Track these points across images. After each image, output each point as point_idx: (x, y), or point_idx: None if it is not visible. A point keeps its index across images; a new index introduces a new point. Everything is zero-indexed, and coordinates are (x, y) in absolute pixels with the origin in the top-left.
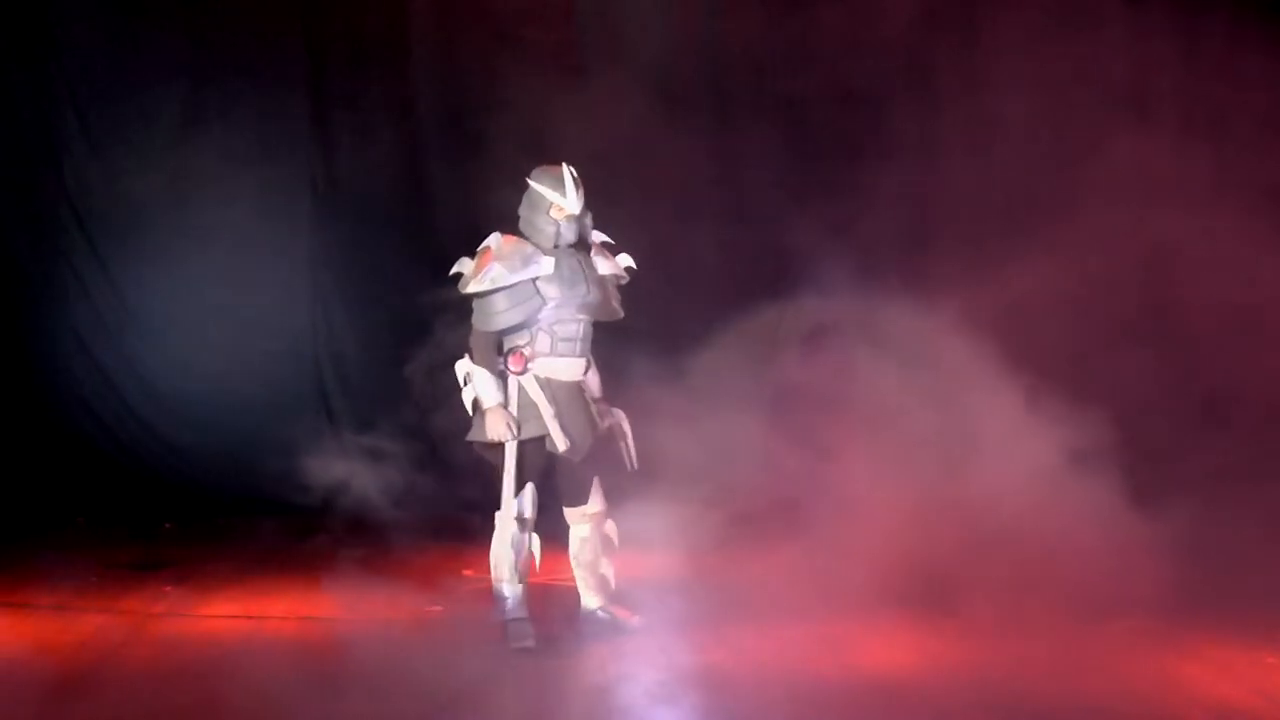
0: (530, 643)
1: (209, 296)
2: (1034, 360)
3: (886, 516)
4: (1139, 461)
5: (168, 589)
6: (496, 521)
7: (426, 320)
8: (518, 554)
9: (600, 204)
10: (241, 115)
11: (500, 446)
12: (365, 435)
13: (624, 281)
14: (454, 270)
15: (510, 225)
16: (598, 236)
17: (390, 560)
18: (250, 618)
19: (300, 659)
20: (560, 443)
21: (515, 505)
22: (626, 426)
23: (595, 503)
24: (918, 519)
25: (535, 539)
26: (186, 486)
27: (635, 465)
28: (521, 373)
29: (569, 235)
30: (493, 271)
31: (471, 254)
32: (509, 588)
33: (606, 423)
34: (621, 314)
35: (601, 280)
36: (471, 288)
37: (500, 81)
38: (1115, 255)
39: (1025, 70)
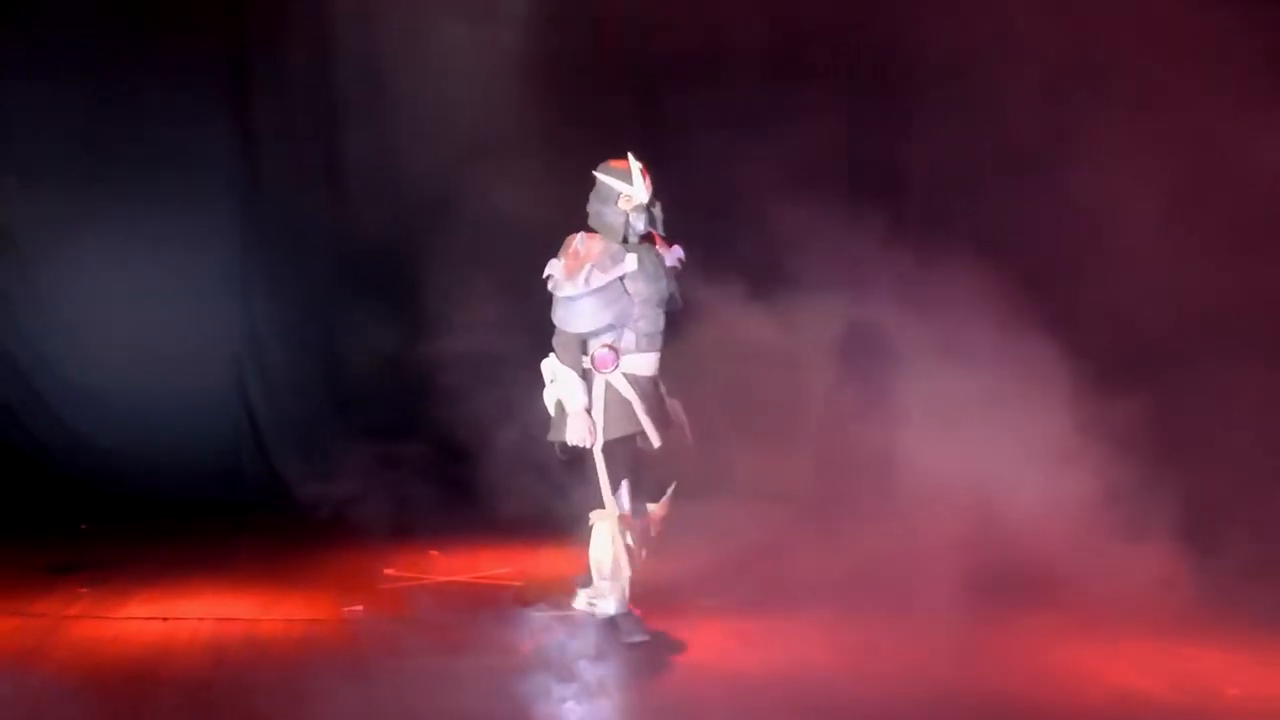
0: (641, 636)
1: (130, 297)
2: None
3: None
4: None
5: (83, 591)
6: (592, 520)
7: (353, 319)
8: (618, 550)
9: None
10: (162, 115)
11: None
12: (288, 435)
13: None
14: (546, 273)
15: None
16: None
17: (312, 560)
18: (167, 619)
19: (217, 661)
20: (655, 439)
21: (620, 504)
22: (682, 413)
23: (664, 500)
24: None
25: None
26: (105, 487)
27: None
28: (610, 371)
29: (639, 226)
30: (587, 274)
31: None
32: (614, 585)
33: (676, 417)
34: (681, 304)
35: (668, 273)
36: (567, 291)
37: (426, 79)
38: None
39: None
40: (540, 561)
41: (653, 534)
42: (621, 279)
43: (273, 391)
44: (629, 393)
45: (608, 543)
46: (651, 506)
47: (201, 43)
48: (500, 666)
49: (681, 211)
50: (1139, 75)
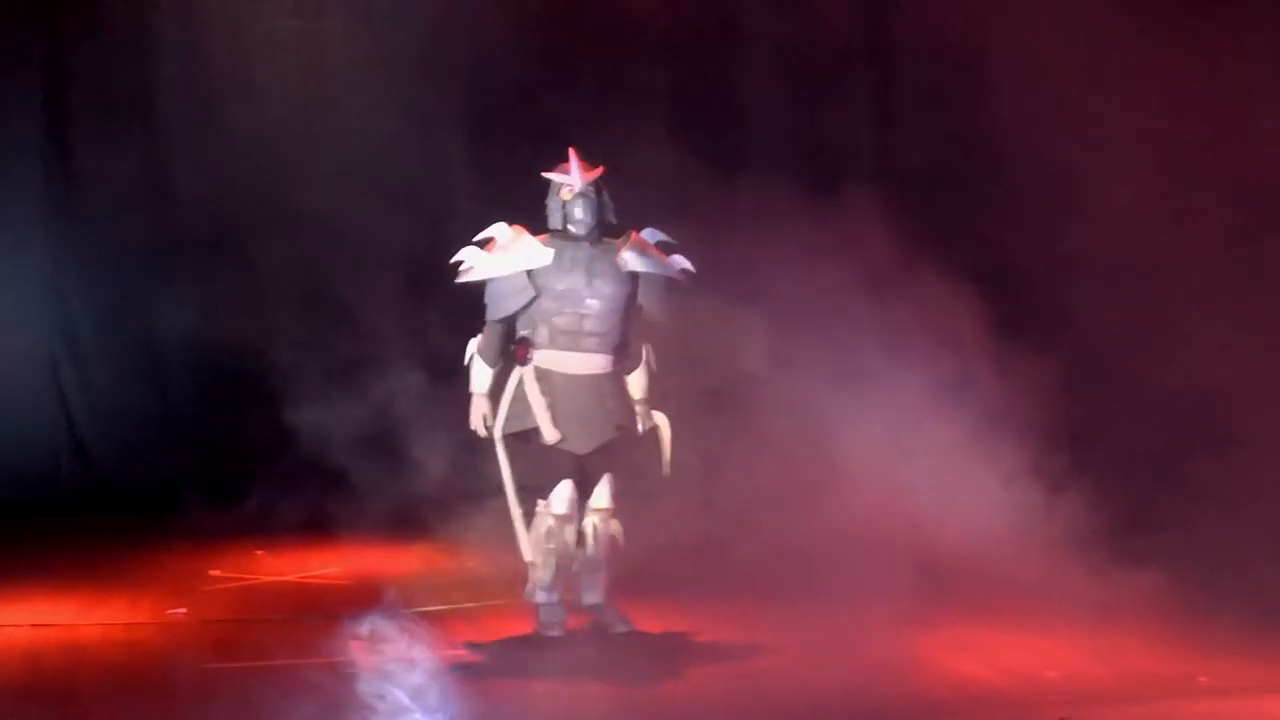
0: (557, 631)
1: None
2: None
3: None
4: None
5: None
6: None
7: (173, 315)
8: (552, 544)
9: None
10: None
11: (531, 437)
12: (107, 435)
13: (675, 278)
14: (455, 259)
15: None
16: (652, 235)
17: (135, 562)
18: None
19: (34, 668)
20: (549, 434)
21: (552, 501)
22: (666, 433)
23: (600, 499)
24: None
25: (577, 529)
26: None
27: (668, 470)
28: (522, 363)
29: (579, 214)
30: (486, 262)
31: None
32: (540, 573)
33: (642, 425)
34: (661, 317)
35: (621, 275)
36: (462, 278)
37: (248, 73)
38: None
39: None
40: (371, 560)
41: (607, 535)
42: (530, 272)
43: (91, 391)
44: (531, 386)
45: (541, 536)
46: (589, 504)
47: (14, 27)
48: (330, 669)
49: None
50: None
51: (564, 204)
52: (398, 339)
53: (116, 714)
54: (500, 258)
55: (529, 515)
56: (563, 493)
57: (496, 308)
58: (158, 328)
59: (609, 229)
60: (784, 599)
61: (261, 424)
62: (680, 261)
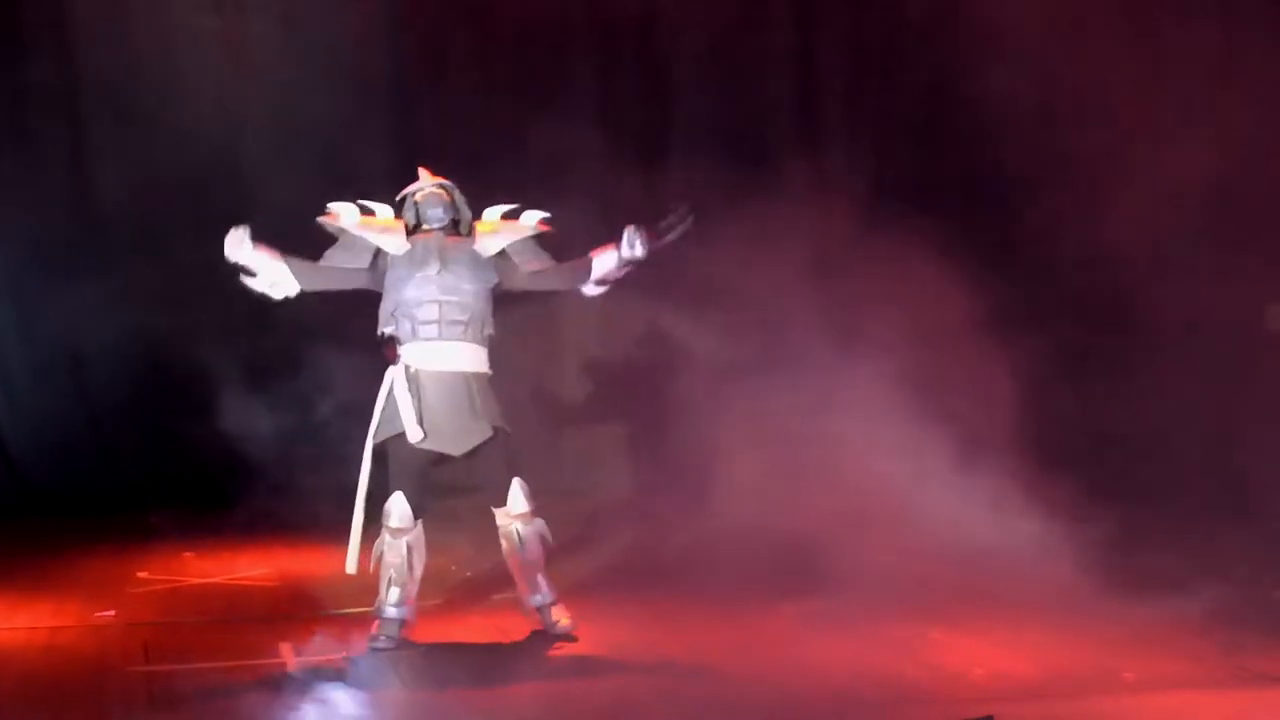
0: (382, 643)
1: None
2: None
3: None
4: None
5: None
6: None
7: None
8: (393, 558)
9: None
10: None
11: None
12: (30, 436)
13: (532, 236)
14: (331, 205)
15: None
16: (493, 212)
17: (60, 565)
18: None
19: None
20: (412, 432)
21: (387, 513)
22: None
23: (517, 503)
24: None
25: (413, 544)
26: None
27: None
28: (393, 362)
29: (429, 211)
30: (353, 220)
31: None
32: (381, 590)
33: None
34: (544, 262)
35: (480, 261)
36: (322, 218)
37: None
38: None
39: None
40: (299, 562)
41: (533, 536)
42: (378, 252)
43: (12, 393)
44: (400, 388)
45: (379, 548)
46: (506, 511)
47: None
48: (258, 671)
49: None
50: None
51: (417, 205)
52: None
53: (42, 719)
54: (367, 226)
55: (371, 525)
56: (397, 504)
57: (332, 257)
58: (79, 330)
59: (467, 229)
60: (713, 599)
61: (185, 424)
62: (534, 216)
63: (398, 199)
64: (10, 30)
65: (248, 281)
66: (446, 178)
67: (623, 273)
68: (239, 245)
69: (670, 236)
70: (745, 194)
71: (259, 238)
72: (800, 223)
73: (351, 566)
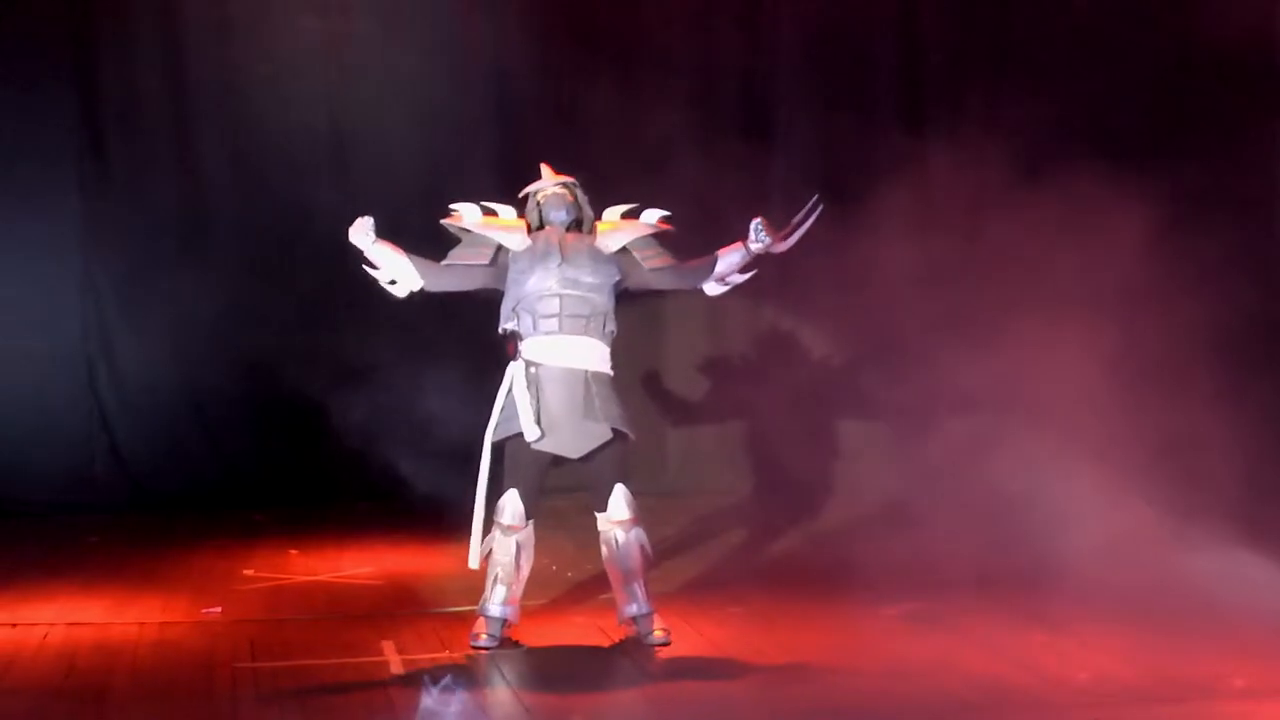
0: (483, 641)
1: None
2: None
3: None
4: None
5: None
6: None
7: (206, 316)
8: (501, 556)
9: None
10: (2, 109)
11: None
12: (142, 435)
13: (657, 234)
14: (454, 205)
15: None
16: (614, 212)
17: (168, 561)
18: (16, 625)
19: (68, 668)
20: (529, 431)
21: (500, 509)
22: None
23: (618, 509)
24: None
25: (522, 543)
26: None
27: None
28: (513, 357)
29: (553, 213)
30: (476, 220)
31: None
32: (487, 587)
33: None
34: (654, 280)
35: (601, 257)
36: (447, 220)
37: (279, 70)
38: None
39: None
40: (402, 560)
41: (631, 545)
42: (499, 248)
43: (125, 392)
44: (519, 385)
45: (490, 544)
46: (606, 517)
47: (43, 31)
48: (361, 668)
49: None
50: None
51: (539, 205)
52: (429, 334)
53: (150, 713)
54: (488, 224)
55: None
56: (510, 502)
57: (456, 254)
58: (188, 329)
59: (589, 228)
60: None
61: (296, 424)
62: (654, 214)
63: (520, 196)
64: (120, 34)
65: (371, 273)
66: (569, 175)
67: (749, 273)
68: (364, 234)
69: (800, 229)
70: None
71: (381, 234)
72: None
73: (474, 562)
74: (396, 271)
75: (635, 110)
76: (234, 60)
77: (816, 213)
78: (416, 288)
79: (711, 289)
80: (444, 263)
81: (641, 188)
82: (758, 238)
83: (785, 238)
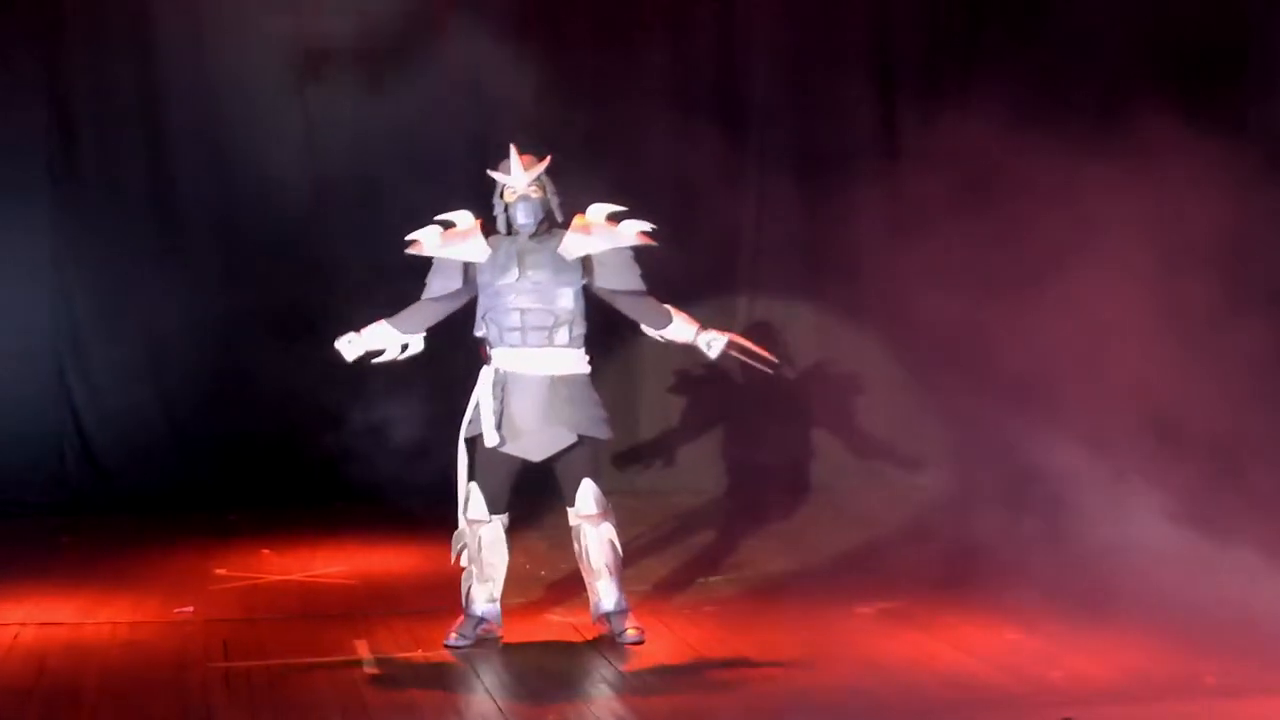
0: (454, 640)
1: None
2: None
3: None
4: None
5: None
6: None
7: (178, 310)
8: (474, 552)
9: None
10: None
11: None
12: (113, 432)
13: (631, 248)
14: (411, 235)
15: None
16: (598, 211)
17: (140, 561)
18: None
19: (39, 669)
20: (489, 437)
21: (463, 503)
22: (746, 343)
23: (585, 504)
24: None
25: (488, 537)
26: None
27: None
28: (487, 362)
29: (520, 218)
30: (436, 243)
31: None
32: (464, 586)
33: (713, 353)
34: (629, 285)
35: (562, 263)
36: (409, 249)
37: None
38: None
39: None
40: (375, 560)
41: (600, 540)
42: (465, 263)
43: (97, 392)
44: (484, 388)
45: (462, 539)
46: (575, 511)
47: (14, 32)
48: (335, 668)
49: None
50: None
51: (506, 206)
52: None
53: (122, 713)
54: (448, 244)
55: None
56: (473, 495)
57: (429, 287)
58: (160, 330)
59: (556, 223)
60: (788, 600)
61: (264, 423)
62: (634, 226)
63: (488, 173)
64: (92, 35)
65: (376, 362)
66: (539, 156)
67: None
68: (351, 347)
69: (745, 358)
70: None
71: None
72: None
73: (453, 557)
74: (386, 341)
75: (614, 107)
76: (208, 62)
77: (764, 364)
78: (417, 339)
79: (652, 334)
80: (424, 297)
81: (614, 176)
82: (709, 349)
83: (732, 352)
